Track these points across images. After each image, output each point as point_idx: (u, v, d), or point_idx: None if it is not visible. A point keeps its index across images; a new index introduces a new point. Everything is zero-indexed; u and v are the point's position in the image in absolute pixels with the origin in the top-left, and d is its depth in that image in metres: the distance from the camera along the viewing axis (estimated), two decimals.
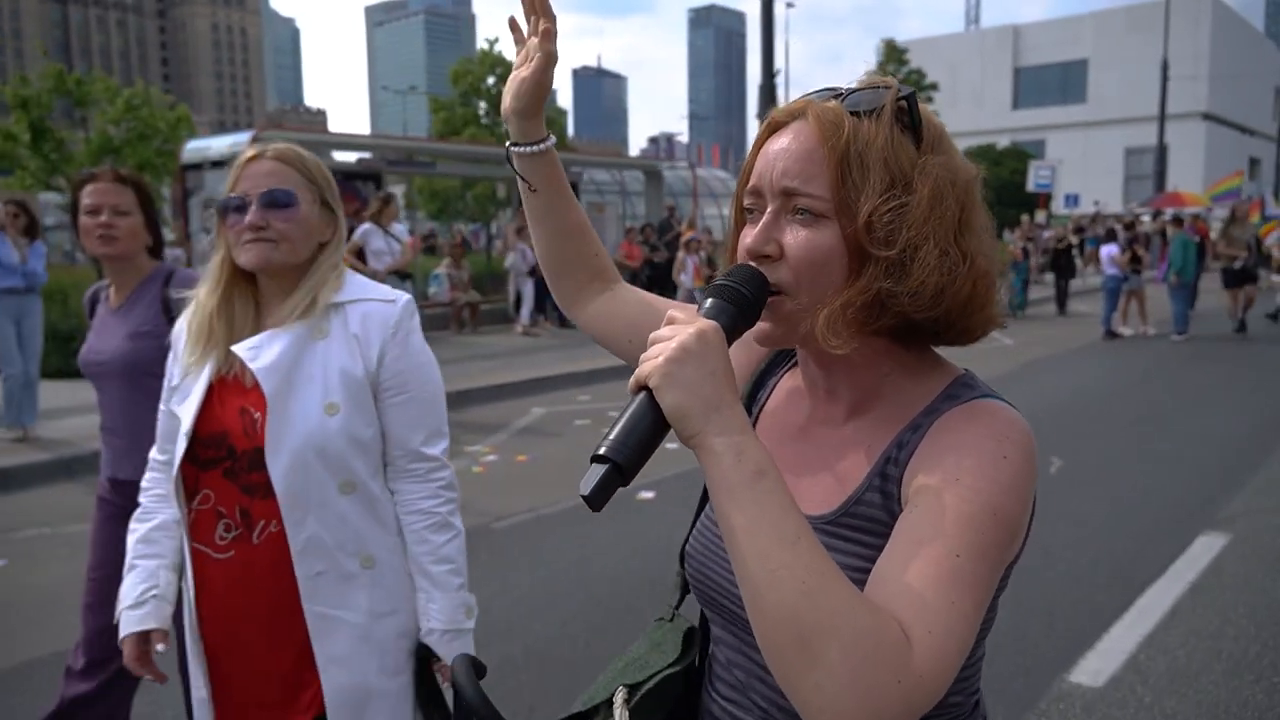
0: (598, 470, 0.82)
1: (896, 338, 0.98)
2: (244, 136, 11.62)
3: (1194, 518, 5.25)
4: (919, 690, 0.78)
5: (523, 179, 1.23)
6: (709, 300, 0.95)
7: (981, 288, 0.95)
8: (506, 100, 1.20)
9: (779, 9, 19.28)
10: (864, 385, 1.01)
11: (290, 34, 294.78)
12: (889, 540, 0.88)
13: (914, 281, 0.91)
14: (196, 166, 11.83)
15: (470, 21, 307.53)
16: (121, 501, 2.52)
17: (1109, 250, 13.60)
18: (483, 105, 29.42)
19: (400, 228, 9.49)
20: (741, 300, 0.94)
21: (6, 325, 7.28)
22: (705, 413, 0.83)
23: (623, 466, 0.83)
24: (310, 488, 1.72)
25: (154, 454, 1.97)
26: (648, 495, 5.63)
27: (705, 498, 1.13)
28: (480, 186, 22.44)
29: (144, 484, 1.97)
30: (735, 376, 0.88)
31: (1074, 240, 24.61)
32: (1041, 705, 3.28)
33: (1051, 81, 48.55)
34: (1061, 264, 16.83)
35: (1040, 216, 25.37)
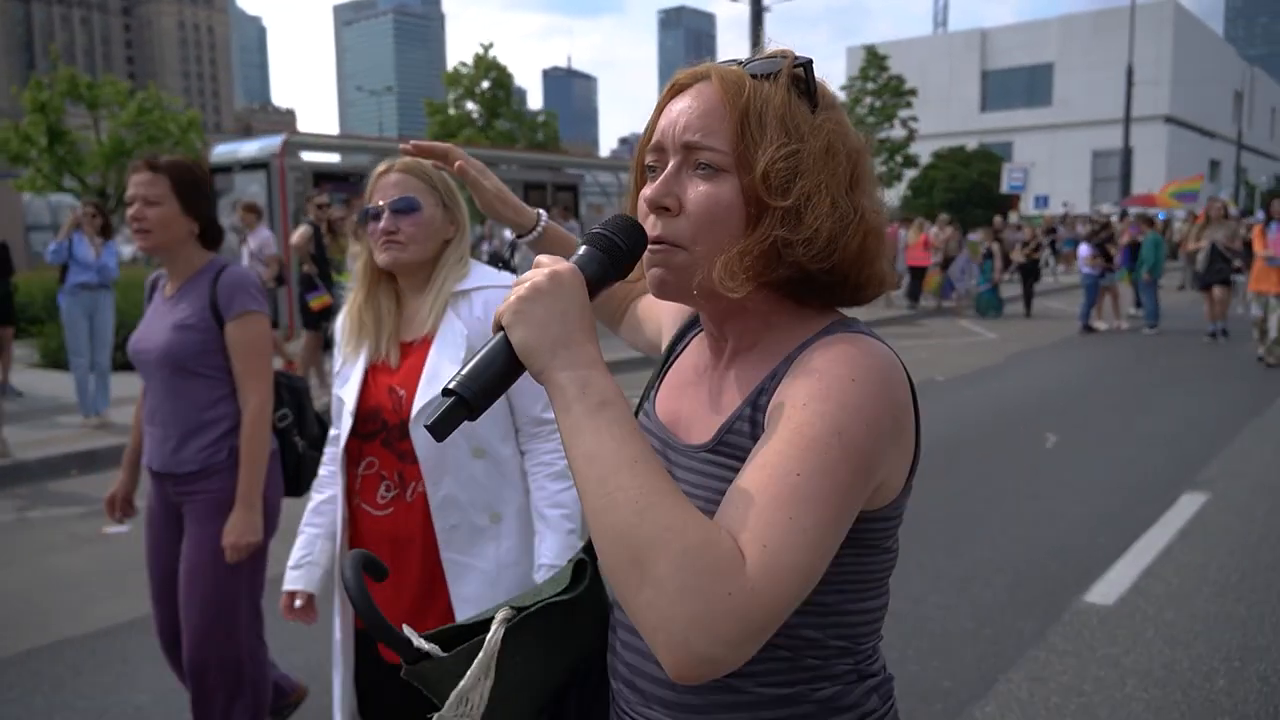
0: (444, 402, 0.86)
1: (789, 293, 1.01)
2: (275, 140, 12.10)
3: (1177, 481, 5.99)
4: (754, 603, 0.78)
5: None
6: (582, 247, 0.98)
7: (871, 241, 0.98)
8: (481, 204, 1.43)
9: (748, 10, 19.93)
10: (750, 330, 1.04)
11: (257, 33, 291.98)
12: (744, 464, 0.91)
13: (807, 229, 0.94)
14: (226, 169, 12.30)
15: (440, 21, 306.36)
16: (156, 496, 2.70)
17: (1085, 250, 14.43)
18: (475, 108, 29.98)
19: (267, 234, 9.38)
20: (613, 249, 0.97)
21: (80, 318, 7.79)
22: (552, 349, 0.87)
23: (469, 400, 0.86)
24: (446, 453, 1.96)
25: (331, 431, 2.21)
26: None
27: None
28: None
29: (324, 459, 2.26)
30: (591, 316, 0.92)
31: (1044, 240, 25.57)
32: (1065, 618, 3.97)
33: (1018, 84, 49.58)
34: (1028, 269, 17.03)
35: (1013, 217, 26.32)
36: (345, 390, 2.07)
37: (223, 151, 12.90)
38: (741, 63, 1.01)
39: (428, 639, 1.05)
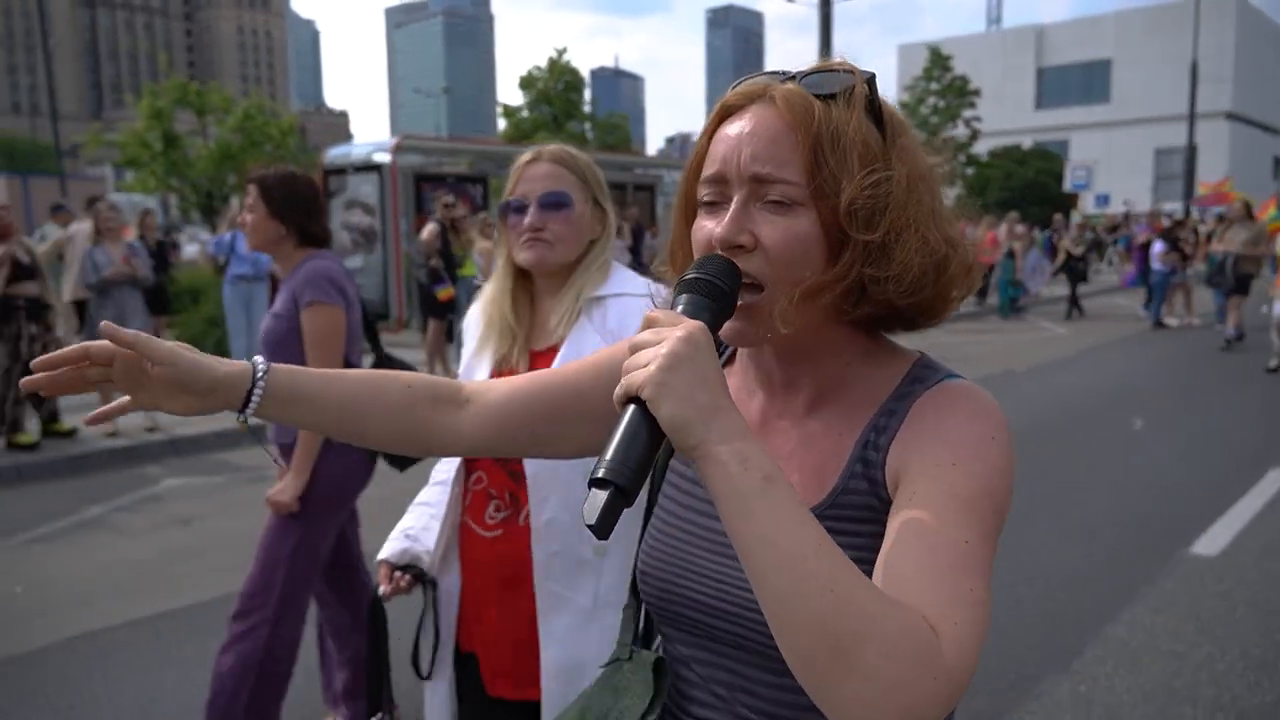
0: (599, 496, 0.78)
1: (860, 325, 0.96)
2: (387, 143, 12.93)
3: (1262, 459, 6.48)
4: (952, 684, 0.76)
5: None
6: (684, 296, 0.89)
7: (973, 275, 0.96)
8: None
9: (797, 9, 20.27)
10: (827, 374, 0.98)
11: (311, 36, 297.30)
12: (889, 531, 0.86)
13: (897, 265, 0.89)
14: (340, 171, 13.16)
15: (490, 22, 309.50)
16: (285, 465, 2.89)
17: (1158, 247, 14.71)
18: (548, 111, 30.88)
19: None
20: (719, 294, 0.89)
21: (238, 309, 8.61)
22: (704, 421, 0.79)
23: (625, 489, 0.78)
24: (557, 471, 1.75)
25: None
26: None
27: (649, 513, 1.10)
28: None
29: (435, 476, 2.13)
30: (725, 380, 0.84)
31: (1106, 239, 25.62)
32: (1173, 566, 4.54)
33: (1075, 81, 49.26)
34: (1074, 269, 16.52)
35: (1075, 216, 26.48)
36: None
37: (336, 154, 13.77)
38: (797, 78, 0.93)
39: None
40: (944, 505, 0.84)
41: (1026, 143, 42.94)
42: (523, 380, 1.15)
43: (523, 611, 1.83)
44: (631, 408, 0.81)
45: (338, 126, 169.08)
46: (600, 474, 0.78)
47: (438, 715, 1.94)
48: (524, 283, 1.90)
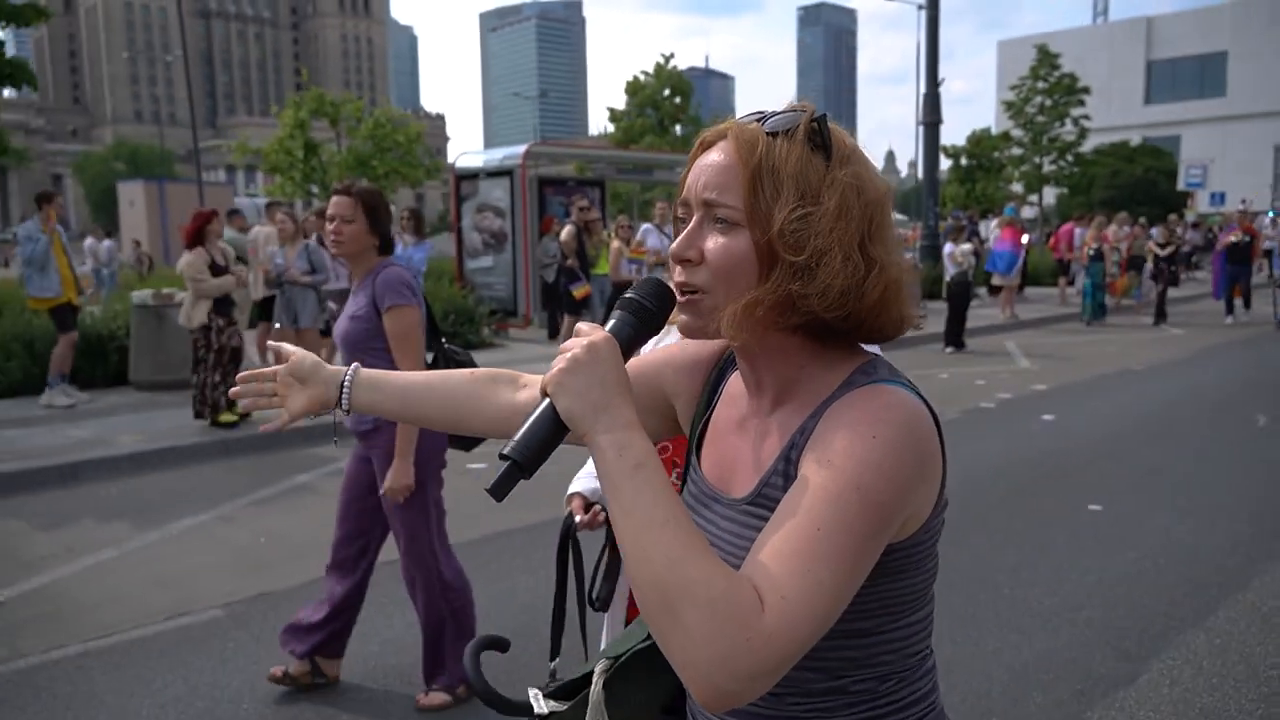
0: (501, 467, 0.97)
1: (812, 334, 1.06)
2: (518, 150, 13.72)
3: None
4: (769, 648, 0.87)
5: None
6: (616, 312, 1.07)
7: (891, 292, 1.03)
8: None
9: (891, 5, 20.20)
10: (784, 377, 1.09)
11: (409, 41, 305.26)
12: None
13: (819, 284, 0.99)
14: (471, 176, 14.02)
15: (581, 25, 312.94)
16: (357, 449, 3.40)
17: None
18: (654, 115, 31.61)
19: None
20: (643, 311, 1.06)
21: None
22: (593, 414, 0.96)
23: (522, 464, 0.97)
24: None
25: None
26: None
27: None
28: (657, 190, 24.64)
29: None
30: (626, 379, 0.99)
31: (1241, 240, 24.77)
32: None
33: (1187, 75, 47.72)
34: (1164, 271, 15.99)
35: (1189, 215, 25.88)
36: None
37: (469, 160, 14.63)
38: (764, 117, 1.05)
39: (549, 695, 1.21)
40: (808, 495, 0.93)
41: (1135, 139, 41.81)
42: None
43: None
44: (544, 400, 0.99)
45: (435, 130, 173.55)
46: (505, 450, 0.97)
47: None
48: None
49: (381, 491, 3.22)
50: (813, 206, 0.99)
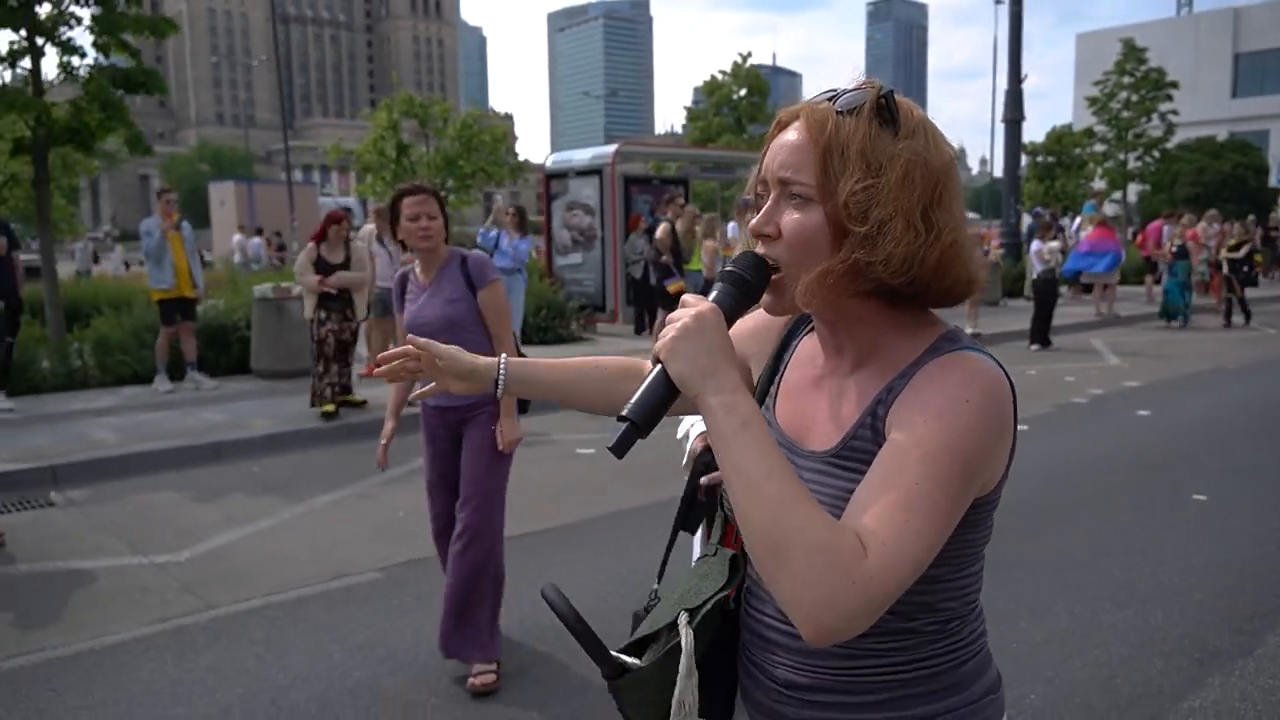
0: (620, 427, 1.07)
1: (886, 301, 1.12)
2: (607, 150, 14.11)
3: None
4: (870, 589, 0.96)
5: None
6: (717, 284, 1.14)
7: (949, 256, 1.08)
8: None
9: (965, 1, 19.85)
10: (863, 341, 1.16)
11: (478, 42, 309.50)
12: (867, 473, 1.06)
13: (884, 251, 1.05)
14: (561, 175, 14.45)
15: (648, 24, 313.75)
16: (438, 424, 3.60)
17: None
18: (731, 114, 31.93)
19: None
20: (742, 283, 1.13)
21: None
22: (702, 378, 1.04)
23: (639, 424, 1.07)
24: None
25: None
26: None
27: None
28: (735, 188, 24.92)
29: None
30: (734, 346, 1.07)
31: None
32: None
33: (1277, 67, 46.17)
34: (1240, 273, 15.26)
35: None
36: None
37: (559, 159, 15.06)
38: (834, 97, 1.11)
39: (622, 650, 1.22)
40: (906, 453, 1.02)
41: (1221, 134, 40.62)
42: None
43: None
44: (657, 366, 1.07)
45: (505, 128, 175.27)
46: (624, 412, 1.07)
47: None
48: None
49: (501, 447, 3.50)
50: (875, 178, 1.05)
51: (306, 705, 3.41)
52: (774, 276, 1.13)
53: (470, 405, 3.53)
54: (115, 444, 7.27)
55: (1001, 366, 1.10)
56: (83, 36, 9.94)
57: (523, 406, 3.64)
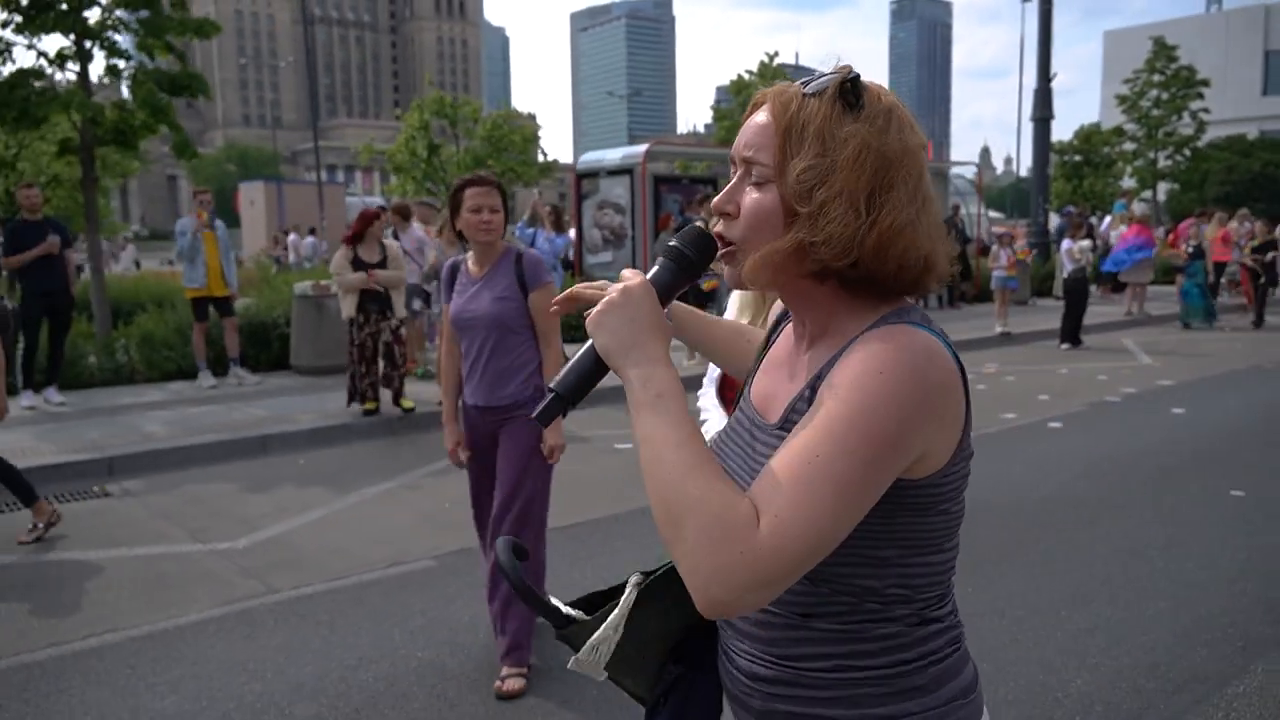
0: (548, 398, 1.10)
1: (842, 284, 1.11)
2: (638, 150, 14.23)
3: None
4: (763, 560, 0.95)
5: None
6: (658, 259, 1.16)
7: (888, 239, 1.05)
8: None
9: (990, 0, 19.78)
10: (817, 322, 1.16)
11: (501, 42, 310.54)
12: None
13: (824, 233, 1.04)
14: (592, 174, 14.60)
15: (671, 23, 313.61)
16: (478, 425, 3.50)
17: None
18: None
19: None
20: (681, 259, 1.14)
21: None
22: (623, 351, 1.06)
23: (564, 395, 1.10)
24: None
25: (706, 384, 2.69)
26: None
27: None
28: None
29: (700, 401, 2.66)
30: (659, 320, 1.09)
31: None
32: None
33: None
34: (1256, 273, 14.96)
35: None
36: None
37: (590, 159, 15.21)
38: (806, 81, 1.11)
39: (573, 605, 1.24)
40: (814, 424, 1.00)
41: (1251, 132, 40.21)
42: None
43: None
44: (589, 341, 1.10)
45: (529, 127, 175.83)
46: (550, 384, 1.11)
47: None
48: None
49: (546, 454, 3.41)
50: (823, 159, 1.05)
51: (375, 684, 3.55)
52: (730, 249, 1.13)
53: (509, 406, 3.44)
54: (166, 437, 7.46)
55: (946, 342, 1.07)
56: (127, 39, 10.08)
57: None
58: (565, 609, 1.22)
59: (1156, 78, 33.55)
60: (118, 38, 10.05)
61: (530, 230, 9.79)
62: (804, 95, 1.08)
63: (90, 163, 10.10)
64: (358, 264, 7.85)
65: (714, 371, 2.63)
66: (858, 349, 1.04)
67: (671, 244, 1.15)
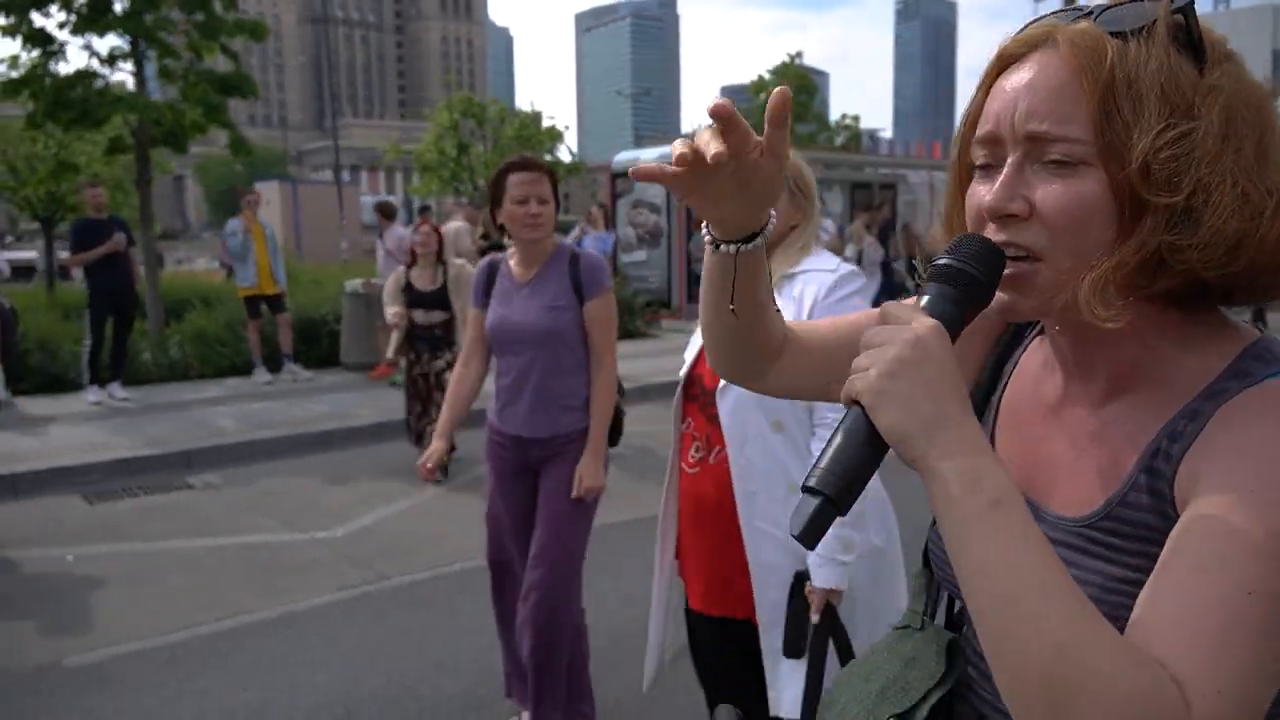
0: (809, 503, 0.73)
1: (1173, 301, 0.79)
2: (669, 149, 14.35)
3: None
4: None
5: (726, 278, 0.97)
6: (931, 287, 0.80)
7: None
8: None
9: None
10: (1125, 359, 0.83)
11: (505, 42, 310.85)
12: (1159, 564, 0.71)
13: (1206, 231, 0.73)
14: (627, 175, 14.73)
15: (675, 23, 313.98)
16: (513, 457, 2.90)
17: None
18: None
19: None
20: (970, 283, 0.78)
21: None
22: (928, 433, 0.71)
23: (834, 499, 0.73)
24: (748, 423, 2.07)
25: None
26: None
27: None
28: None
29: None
30: (964, 378, 0.75)
31: None
32: None
33: None
34: None
35: None
36: (687, 353, 2.29)
37: (625, 158, 15.37)
38: (1091, 13, 0.78)
39: None
40: (1228, 542, 0.69)
41: None
42: (821, 326, 1.10)
43: (708, 541, 2.18)
44: (854, 412, 0.75)
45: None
46: (811, 482, 0.74)
47: (656, 624, 2.37)
48: None
49: (576, 494, 2.83)
50: (1190, 123, 0.74)
51: None
52: (1022, 266, 0.79)
53: (555, 439, 2.88)
54: (236, 431, 7.63)
55: None
56: (177, 40, 10.27)
57: (614, 438, 3.01)
58: None
59: None
60: (170, 39, 10.22)
61: (575, 231, 9.95)
62: (1113, 36, 0.76)
63: (146, 162, 10.27)
64: (410, 292, 6.37)
65: (689, 356, 2.29)
66: (1253, 421, 0.73)
67: (948, 263, 0.79)
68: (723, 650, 2.27)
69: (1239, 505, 0.69)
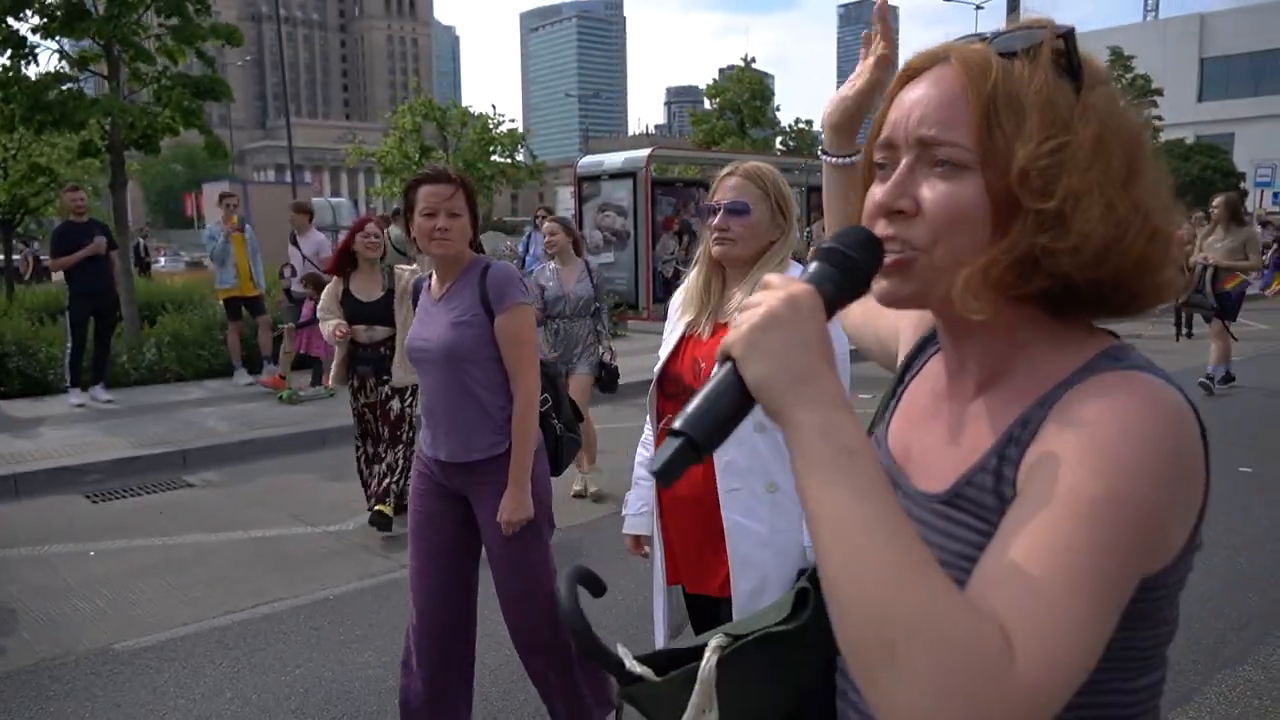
0: (671, 444, 0.77)
1: (1045, 304, 0.86)
2: (641, 154, 14.70)
3: None
4: (1024, 704, 0.67)
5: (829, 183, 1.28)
6: (813, 264, 0.87)
7: (1157, 247, 0.83)
8: (827, 110, 1.23)
9: (934, 4, 20.66)
10: (995, 355, 0.90)
11: (451, 42, 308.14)
12: (999, 528, 0.78)
13: (1076, 235, 0.80)
14: (594, 178, 15.03)
15: (622, 24, 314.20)
16: (437, 478, 2.78)
17: None
18: (735, 117, 32.81)
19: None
20: (848, 266, 0.85)
21: None
22: (791, 385, 0.76)
23: (697, 442, 0.77)
24: None
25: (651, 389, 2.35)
26: None
27: None
28: None
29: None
30: (831, 345, 0.79)
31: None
32: None
33: (1242, 72, 47.63)
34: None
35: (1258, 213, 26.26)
36: (662, 350, 2.34)
37: (590, 162, 15.63)
38: (988, 38, 0.87)
39: (641, 661, 1.04)
40: (1056, 505, 0.74)
41: (1189, 137, 41.88)
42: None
43: (695, 537, 2.25)
44: (726, 365, 0.80)
45: None
46: (677, 425, 0.78)
47: (659, 607, 2.42)
48: (718, 270, 2.29)
49: (501, 519, 2.68)
50: (1065, 136, 0.81)
51: None
52: (901, 257, 0.87)
53: (473, 464, 2.73)
54: (229, 431, 7.76)
55: (1186, 397, 0.83)
56: (150, 43, 10.31)
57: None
58: (630, 664, 1.04)
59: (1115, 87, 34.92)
60: (145, 42, 10.26)
61: (526, 232, 10.17)
62: (1001, 55, 0.85)
63: (120, 165, 10.29)
64: (350, 303, 5.20)
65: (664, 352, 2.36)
66: (1089, 404, 0.80)
67: (831, 245, 0.87)
68: (711, 626, 2.50)
69: (1069, 470, 0.75)
